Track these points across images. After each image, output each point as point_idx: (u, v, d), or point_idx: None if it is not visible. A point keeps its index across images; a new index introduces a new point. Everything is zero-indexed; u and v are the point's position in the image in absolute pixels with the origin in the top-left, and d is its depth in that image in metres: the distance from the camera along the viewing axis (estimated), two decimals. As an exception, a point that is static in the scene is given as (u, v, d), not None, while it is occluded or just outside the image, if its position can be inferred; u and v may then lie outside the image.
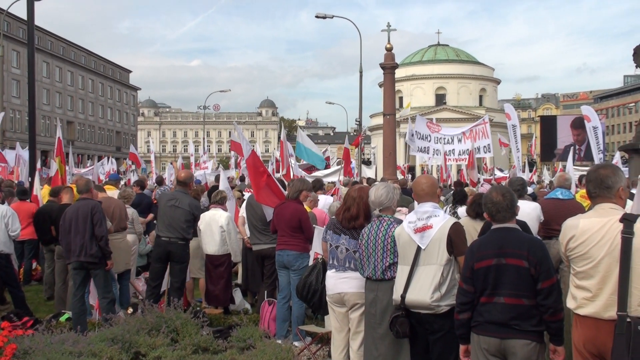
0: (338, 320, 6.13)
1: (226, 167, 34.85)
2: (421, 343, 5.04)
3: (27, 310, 8.85)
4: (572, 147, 29.01)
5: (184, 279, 8.89)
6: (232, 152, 22.08)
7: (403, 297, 4.93)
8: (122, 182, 21.96)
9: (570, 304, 3.97)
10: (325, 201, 11.35)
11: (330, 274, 6.11)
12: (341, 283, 5.98)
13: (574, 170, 13.25)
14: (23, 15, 17.23)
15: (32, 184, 12.79)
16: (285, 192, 8.54)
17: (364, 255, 5.56)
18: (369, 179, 22.16)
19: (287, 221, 7.76)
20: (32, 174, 13.04)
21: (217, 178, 16.70)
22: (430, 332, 4.92)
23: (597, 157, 19.61)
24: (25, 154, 20.40)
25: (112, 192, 12.55)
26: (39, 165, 24.80)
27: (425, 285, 4.83)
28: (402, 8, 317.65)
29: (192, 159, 27.83)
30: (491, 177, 23.10)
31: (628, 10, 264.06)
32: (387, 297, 5.22)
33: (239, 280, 10.68)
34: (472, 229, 6.55)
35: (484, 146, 20.01)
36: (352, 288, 5.87)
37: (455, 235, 4.88)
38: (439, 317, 4.82)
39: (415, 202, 5.49)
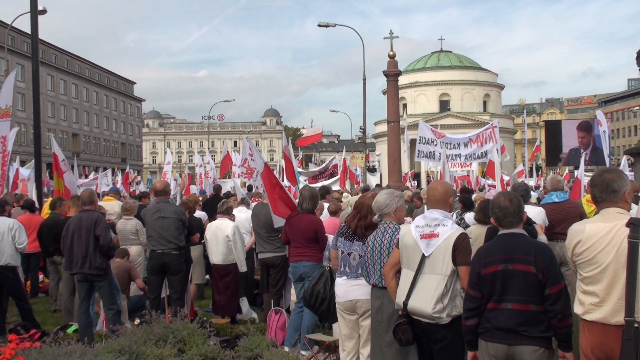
0: (348, 327, 6.10)
1: (229, 176, 34.85)
2: (426, 351, 5.00)
3: (35, 323, 8.86)
4: (581, 153, 28.99)
5: (183, 289, 8.84)
6: (236, 161, 22.01)
7: (405, 303, 4.89)
8: (126, 194, 22.05)
9: (577, 309, 3.95)
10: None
11: (341, 281, 6.08)
12: (353, 290, 5.95)
13: (583, 176, 13.23)
14: (27, 29, 17.31)
15: (40, 196, 12.83)
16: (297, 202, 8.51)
17: (369, 262, 5.55)
18: (377, 185, 22.09)
19: (303, 232, 7.74)
20: (38, 186, 13.08)
21: (216, 189, 16.69)
22: (433, 341, 4.87)
23: (608, 161, 19.59)
24: (23, 171, 20.49)
25: (112, 204, 12.63)
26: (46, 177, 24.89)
27: (428, 295, 4.75)
28: (407, 15, 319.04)
29: (201, 170, 27.86)
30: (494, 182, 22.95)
31: (634, 14, 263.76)
32: (393, 304, 5.18)
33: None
34: (483, 235, 6.52)
35: (491, 150, 19.93)
36: (365, 295, 5.83)
37: (460, 246, 4.77)
38: (441, 327, 4.76)
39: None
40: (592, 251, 3.82)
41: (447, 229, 4.86)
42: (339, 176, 22.01)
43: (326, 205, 10.74)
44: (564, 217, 7.93)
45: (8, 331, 8.32)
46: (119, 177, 32.28)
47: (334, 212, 9.94)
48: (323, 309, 6.65)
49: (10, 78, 13.34)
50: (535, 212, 7.70)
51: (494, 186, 17.32)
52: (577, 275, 3.98)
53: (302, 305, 7.79)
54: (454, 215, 9.80)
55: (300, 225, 7.78)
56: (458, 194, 15.33)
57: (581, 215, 8.05)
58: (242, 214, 10.89)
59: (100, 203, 11.18)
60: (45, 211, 12.31)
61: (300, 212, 7.99)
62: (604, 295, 3.77)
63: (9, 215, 9.34)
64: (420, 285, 4.85)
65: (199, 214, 11.42)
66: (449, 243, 4.78)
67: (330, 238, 7.03)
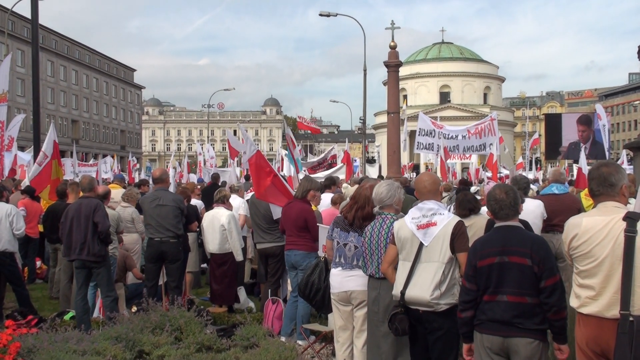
0: (343, 318, 6.11)
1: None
2: (421, 342, 5.03)
3: (32, 309, 8.86)
4: (581, 146, 29.03)
5: (181, 277, 8.85)
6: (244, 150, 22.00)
7: (403, 293, 4.91)
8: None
9: (573, 302, 3.96)
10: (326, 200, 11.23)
11: (336, 272, 6.08)
12: (348, 281, 5.95)
13: (587, 168, 13.34)
14: (27, 14, 17.27)
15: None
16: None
17: (367, 253, 5.56)
18: (379, 176, 22.06)
19: (294, 221, 7.75)
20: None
21: (214, 177, 16.69)
22: (429, 331, 4.90)
23: (608, 155, 19.62)
24: (24, 155, 20.46)
25: (117, 192, 12.60)
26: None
27: (426, 283, 4.80)
28: (411, 6, 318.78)
29: (201, 158, 27.92)
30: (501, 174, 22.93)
31: (637, 7, 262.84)
32: (389, 295, 5.19)
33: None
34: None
35: (490, 143, 19.93)
36: (360, 286, 5.84)
37: (459, 233, 4.86)
38: (438, 315, 4.80)
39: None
40: (588, 245, 3.82)
41: (444, 217, 4.94)
42: (339, 166, 21.97)
43: (331, 195, 10.73)
44: (562, 209, 7.92)
45: (5, 317, 8.33)
46: (116, 164, 32.21)
47: (336, 203, 9.92)
48: (317, 299, 6.65)
49: (5, 62, 13.30)
50: (534, 205, 7.70)
51: (491, 179, 17.36)
52: (574, 268, 3.98)
53: (297, 295, 7.82)
54: (452, 208, 9.83)
55: (291, 213, 7.80)
56: (455, 186, 15.36)
57: (579, 210, 8.04)
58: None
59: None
60: (46, 199, 12.29)
61: (294, 200, 8.01)
62: (600, 289, 3.77)
63: (7, 201, 9.33)
64: (418, 274, 4.88)
65: (195, 202, 11.42)
66: (447, 231, 4.85)
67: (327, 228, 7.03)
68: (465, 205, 6.69)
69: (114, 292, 8.17)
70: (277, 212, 8.54)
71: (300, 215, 7.73)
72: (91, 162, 31.87)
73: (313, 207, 8.76)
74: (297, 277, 7.77)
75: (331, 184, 11.69)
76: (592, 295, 3.81)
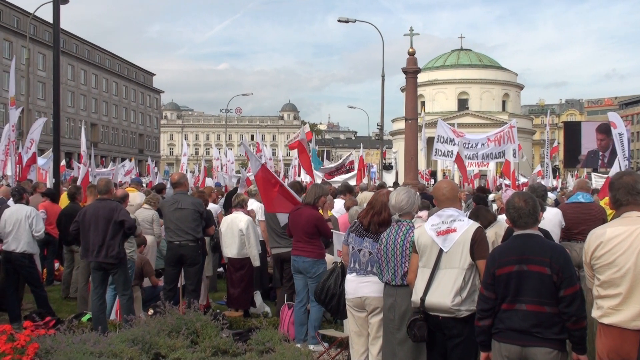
0: (357, 324, 6.09)
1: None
2: (438, 349, 4.99)
3: (50, 310, 8.93)
4: (599, 155, 28.77)
5: (199, 281, 8.86)
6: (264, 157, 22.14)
7: (423, 299, 4.88)
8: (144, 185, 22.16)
9: (595, 313, 3.92)
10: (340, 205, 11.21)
11: (351, 277, 6.07)
12: (362, 287, 5.94)
13: (598, 177, 13.24)
14: (49, 18, 17.46)
15: (57, 185, 12.91)
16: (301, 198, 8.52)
17: (382, 260, 5.54)
18: (395, 183, 22.00)
19: (303, 227, 7.74)
20: (56, 175, 13.16)
21: (239, 181, 16.74)
22: (448, 337, 4.86)
23: (623, 164, 19.37)
24: (39, 160, 20.62)
25: (134, 195, 12.69)
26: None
27: (447, 289, 4.77)
28: (430, 13, 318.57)
29: (218, 163, 28.09)
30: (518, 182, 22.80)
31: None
32: (405, 302, 5.18)
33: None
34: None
35: (509, 151, 19.81)
36: (374, 292, 5.83)
37: (479, 240, 4.83)
38: (458, 321, 4.76)
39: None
40: (612, 254, 3.79)
41: (464, 224, 4.92)
42: (355, 172, 21.96)
43: (338, 201, 10.69)
44: (585, 218, 7.81)
45: (23, 318, 8.40)
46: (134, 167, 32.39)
47: (350, 208, 9.92)
48: (333, 304, 6.65)
49: (11, 68, 13.57)
50: (552, 214, 7.63)
51: (509, 186, 17.26)
52: (595, 280, 3.94)
53: (301, 300, 7.87)
54: (467, 215, 9.79)
55: (300, 220, 7.79)
56: (467, 193, 15.30)
57: (604, 220, 7.92)
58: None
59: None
60: (64, 201, 12.39)
61: (302, 206, 8.00)
62: (623, 299, 3.73)
63: (27, 203, 9.42)
64: (438, 281, 4.86)
65: (212, 206, 11.45)
66: (467, 237, 4.83)
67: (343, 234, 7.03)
68: (478, 214, 6.67)
69: (129, 291, 8.18)
70: (283, 219, 8.55)
71: (309, 221, 7.73)
72: (110, 167, 32.10)
73: (329, 213, 8.76)
74: (303, 281, 7.83)
75: (347, 190, 11.67)
76: (614, 306, 3.77)
